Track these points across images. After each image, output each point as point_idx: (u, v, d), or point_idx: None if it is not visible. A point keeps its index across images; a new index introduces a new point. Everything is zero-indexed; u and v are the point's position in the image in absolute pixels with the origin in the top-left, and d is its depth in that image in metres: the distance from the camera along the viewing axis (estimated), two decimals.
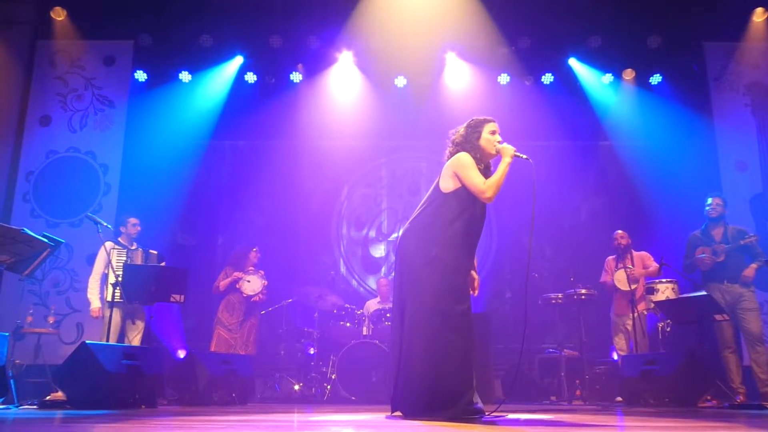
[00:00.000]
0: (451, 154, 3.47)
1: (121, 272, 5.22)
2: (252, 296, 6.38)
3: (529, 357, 7.04)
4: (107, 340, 5.15)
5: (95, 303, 5.61)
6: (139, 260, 5.66)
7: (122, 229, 5.79)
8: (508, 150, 3.35)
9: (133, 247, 5.75)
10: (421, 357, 3.16)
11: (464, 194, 3.33)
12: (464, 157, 3.36)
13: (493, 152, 3.42)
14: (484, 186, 3.27)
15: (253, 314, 6.46)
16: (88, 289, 5.65)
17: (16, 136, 7.39)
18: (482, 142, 3.42)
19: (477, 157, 3.40)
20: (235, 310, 6.36)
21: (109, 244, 5.55)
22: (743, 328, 5.37)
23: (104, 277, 5.65)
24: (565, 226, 7.94)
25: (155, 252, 5.83)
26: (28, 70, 7.57)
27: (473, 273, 3.48)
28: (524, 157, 3.36)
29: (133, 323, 5.60)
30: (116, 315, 5.35)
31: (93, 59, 7.65)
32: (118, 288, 5.14)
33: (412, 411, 3.19)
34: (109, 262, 5.44)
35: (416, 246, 3.33)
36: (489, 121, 3.49)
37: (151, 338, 5.87)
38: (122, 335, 5.54)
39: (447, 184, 3.37)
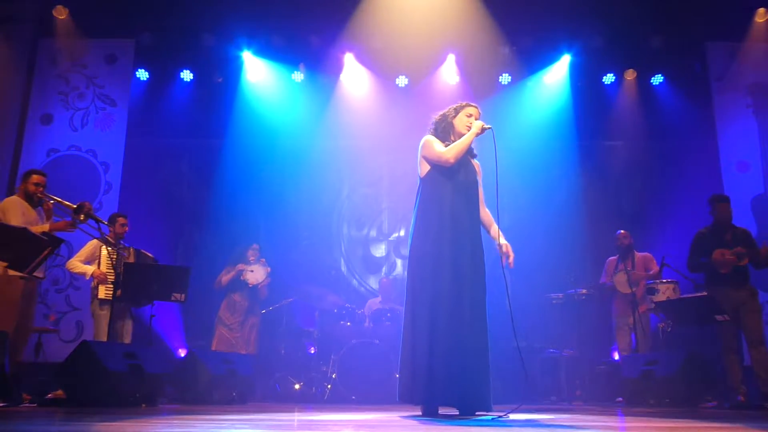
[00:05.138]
0: None
1: (113, 272, 5.18)
2: (257, 285, 6.36)
3: (530, 357, 7.02)
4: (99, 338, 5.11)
5: (91, 268, 5.34)
6: (131, 259, 5.41)
7: (111, 228, 5.47)
8: (477, 124, 3.51)
9: (121, 247, 5.48)
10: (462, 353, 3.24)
11: (442, 170, 3.47)
12: (426, 139, 3.54)
13: (465, 132, 3.54)
14: (444, 150, 3.44)
15: (254, 313, 6.46)
16: (76, 268, 5.38)
17: (18, 135, 7.39)
18: (456, 121, 3.58)
19: (448, 133, 3.56)
20: (236, 309, 6.36)
21: (95, 242, 5.39)
22: (746, 328, 5.35)
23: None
24: (564, 226, 7.91)
25: (150, 255, 5.60)
26: (29, 68, 7.57)
27: (502, 240, 3.56)
28: (488, 127, 3.51)
29: (124, 323, 5.40)
30: (108, 313, 5.30)
31: (95, 58, 7.66)
32: (105, 287, 5.16)
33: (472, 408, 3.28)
34: (99, 259, 5.34)
35: (416, 232, 3.46)
36: (470, 105, 3.63)
37: (152, 337, 5.84)
38: (114, 334, 5.34)
39: (421, 169, 3.56)
